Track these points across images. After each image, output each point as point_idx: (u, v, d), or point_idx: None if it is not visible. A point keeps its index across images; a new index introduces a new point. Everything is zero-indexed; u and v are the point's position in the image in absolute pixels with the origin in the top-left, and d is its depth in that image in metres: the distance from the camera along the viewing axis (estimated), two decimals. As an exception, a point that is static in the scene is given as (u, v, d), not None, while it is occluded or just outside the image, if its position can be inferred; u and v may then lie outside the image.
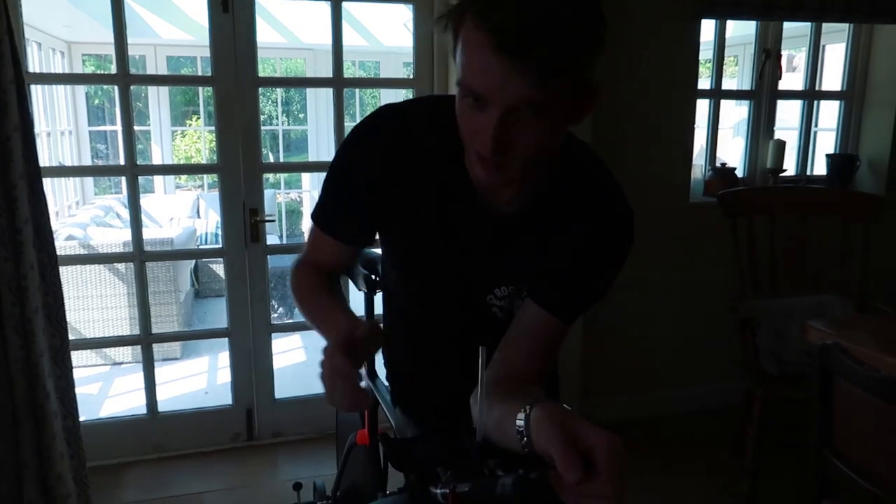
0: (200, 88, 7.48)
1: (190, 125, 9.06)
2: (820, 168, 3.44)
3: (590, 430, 0.64)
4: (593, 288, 1.02)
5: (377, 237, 1.15)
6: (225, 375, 3.67)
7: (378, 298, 1.46)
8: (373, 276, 1.39)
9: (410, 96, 2.89)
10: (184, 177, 7.83)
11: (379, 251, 1.39)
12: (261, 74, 2.64)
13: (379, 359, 1.46)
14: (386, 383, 1.41)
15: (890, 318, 2.24)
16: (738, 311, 2.48)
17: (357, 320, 0.97)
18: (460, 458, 0.82)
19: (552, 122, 0.81)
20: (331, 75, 2.68)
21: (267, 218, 2.77)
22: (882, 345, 1.75)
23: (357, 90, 7.88)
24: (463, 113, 0.84)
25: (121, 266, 3.95)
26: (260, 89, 2.67)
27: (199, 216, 6.08)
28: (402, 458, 0.85)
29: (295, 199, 8.20)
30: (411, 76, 2.87)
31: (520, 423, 0.75)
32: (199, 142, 8.66)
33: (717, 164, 3.17)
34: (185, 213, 5.94)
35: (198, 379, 3.84)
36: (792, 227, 2.68)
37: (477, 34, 0.76)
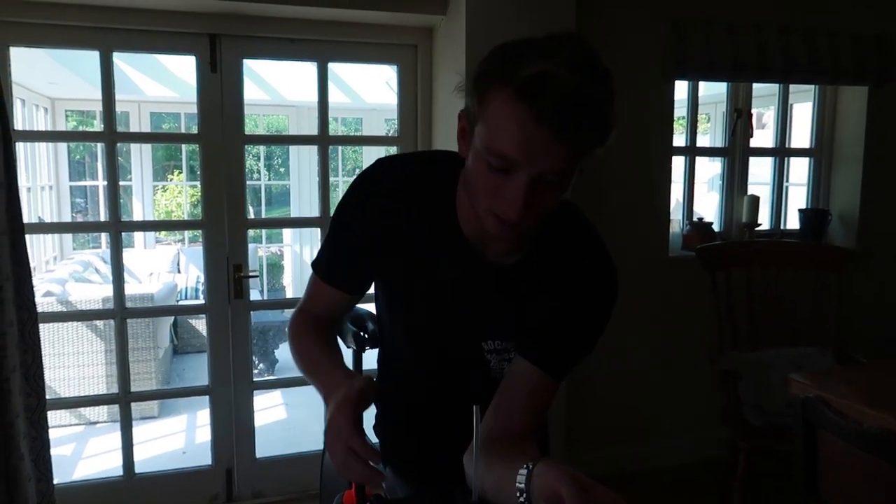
0: (183, 145, 7.54)
1: (171, 179, 9.08)
2: (793, 222, 3.53)
3: (596, 486, 0.65)
4: (582, 343, 1.03)
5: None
6: (204, 434, 3.60)
7: (367, 356, 1.46)
8: (362, 334, 1.39)
9: (394, 153, 2.94)
10: (163, 232, 7.79)
11: (368, 307, 1.41)
12: (246, 131, 2.68)
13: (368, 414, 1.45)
14: (374, 439, 1.40)
15: (867, 368, 2.27)
16: (719, 363, 2.50)
17: (353, 376, 0.99)
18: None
19: (568, 184, 0.87)
20: (314, 131, 2.72)
21: (250, 273, 2.77)
22: (863, 396, 1.77)
23: (340, 146, 7.99)
24: (482, 174, 0.87)
25: (99, 323, 3.90)
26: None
27: (179, 271, 6.03)
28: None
29: (276, 254, 8.19)
30: (393, 133, 2.94)
31: (521, 481, 0.75)
32: (180, 196, 8.66)
33: (695, 219, 3.25)
34: (165, 267, 5.90)
35: (176, 438, 3.75)
36: (768, 281, 2.74)
37: (516, 106, 0.79)
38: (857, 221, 3.33)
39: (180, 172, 8.95)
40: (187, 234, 7.29)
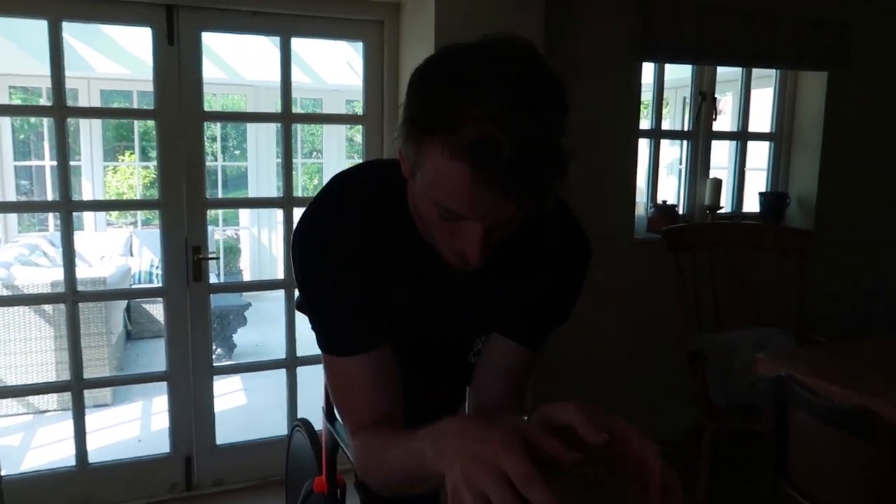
0: (136, 123, 7.28)
1: (122, 160, 8.78)
2: (751, 205, 3.59)
3: (556, 408, 0.64)
4: (559, 314, 1.02)
5: None
6: (160, 421, 3.50)
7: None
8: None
9: (360, 132, 2.87)
10: (115, 214, 7.53)
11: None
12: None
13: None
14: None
15: (828, 348, 2.31)
16: (685, 345, 2.52)
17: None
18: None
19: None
20: (273, 111, 2.63)
21: (210, 255, 2.68)
22: (826, 375, 1.80)
23: (298, 126, 7.83)
24: (434, 219, 0.79)
25: (48, 307, 3.74)
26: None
27: (132, 254, 5.84)
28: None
29: (232, 237, 8.00)
30: (358, 112, 2.87)
31: None
32: (132, 177, 8.38)
33: (659, 202, 3.26)
34: (117, 251, 5.70)
35: (130, 426, 3.63)
36: (732, 262, 2.77)
37: (458, 166, 0.70)
38: (814, 205, 3.40)
39: (132, 153, 8.66)
40: (140, 216, 7.06)
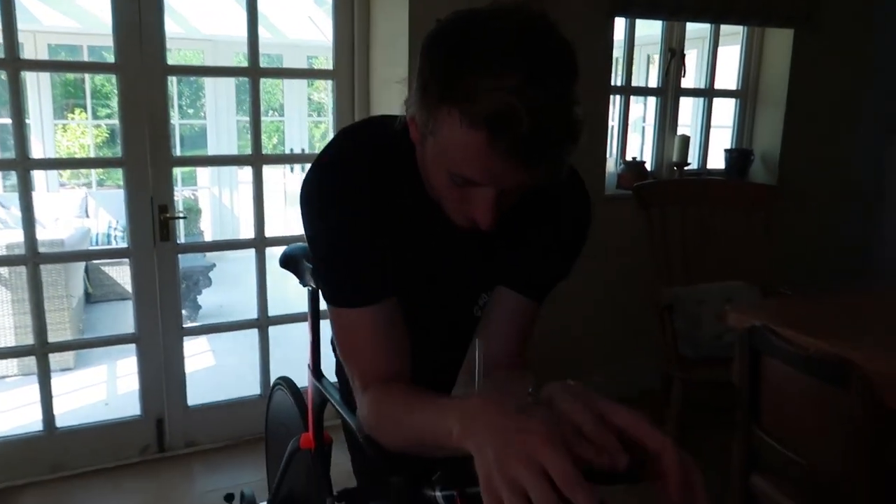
0: (87, 80, 6.98)
1: (72, 119, 8.44)
2: (716, 162, 3.64)
3: (615, 408, 0.63)
4: (561, 268, 1.03)
5: None
6: (127, 384, 3.44)
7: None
8: (317, 268, 1.32)
9: (329, 87, 2.80)
10: (67, 174, 7.26)
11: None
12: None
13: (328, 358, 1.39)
14: (334, 381, 1.35)
15: (794, 300, 2.39)
16: (655, 298, 2.57)
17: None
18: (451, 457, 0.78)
19: None
20: (233, 65, 2.54)
21: (177, 215, 2.61)
22: (795, 325, 1.86)
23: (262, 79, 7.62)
24: (444, 184, 0.80)
25: (3, 270, 3.60)
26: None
27: (87, 216, 5.66)
28: (395, 459, 0.80)
29: (191, 198, 7.82)
30: (328, 67, 2.79)
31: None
32: (83, 136, 8.07)
33: (629, 159, 3.29)
34: (72, 212, 5.51)
35: (96, 390, 3.57)
36: (701, 217, 2.82)
37: (475, 136, 0.70)
38: (777, 161, 3.47)
39: (82, 111, 8.33)
40: (95, 176, 6.83)
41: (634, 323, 3.04)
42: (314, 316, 1.43)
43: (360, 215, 0.88)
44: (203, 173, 7.40)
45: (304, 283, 1.39)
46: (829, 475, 1.50)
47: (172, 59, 7.79)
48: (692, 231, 2.82)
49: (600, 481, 0.59)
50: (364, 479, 1.31)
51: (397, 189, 0.90)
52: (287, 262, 1.43)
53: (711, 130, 3.59)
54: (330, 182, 0.89)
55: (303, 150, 7.90)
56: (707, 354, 2.55)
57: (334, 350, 1.29)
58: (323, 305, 1.43)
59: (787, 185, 3.39)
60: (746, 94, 3.54)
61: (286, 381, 1.67)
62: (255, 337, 2.80)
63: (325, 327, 1.41)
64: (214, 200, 6.87)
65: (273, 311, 2.79)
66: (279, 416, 1.75)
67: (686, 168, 3.36)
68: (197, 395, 2.80)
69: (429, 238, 0.93)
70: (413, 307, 0.93)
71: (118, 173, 6.61)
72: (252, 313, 2.81)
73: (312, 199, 0.89)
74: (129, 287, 2.74)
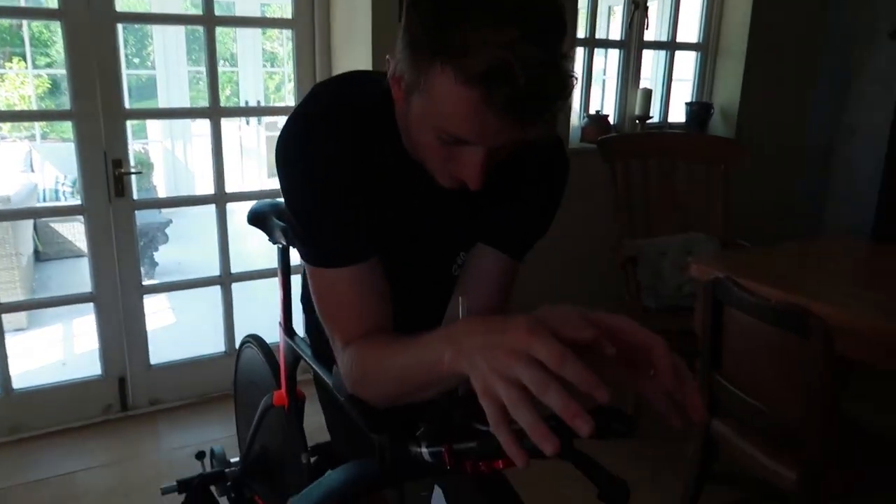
0: (25, 27, 6.60)
1: (10, 68, 8.01)
2: (676, 115, 3.68)
3: (602, 313, 0.64)
4: (540, 225, 1.02)
5: None
6: (84, 344, 3.37)
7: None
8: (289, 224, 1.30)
9: (289, 36, 2.71)
10: (7, 126, 6.92)
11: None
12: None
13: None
14: (304, 336, 1.34)
15: (754, 251, 2.45)
16: (619, 250, 2.61)
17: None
18: (435, 413, 0.78)
19: None
20: (185, 13, 2.43)
21: (132, 170, 2.52)
22: (754, 276, 1.91)
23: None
24: (431, 143, 0.78)
25: (-55, 228, 3.45)
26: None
27: (32, 170, 5.43)
28: (378, 417, 0.80)
29: (142, 151, 7.57)
30: (285, 16, 2.69)
31: None
32: (23, 87, 7.68)
33: (592, 112, 3.29)
34: (15, 167, 5.28)
35: (51, 350, 3.48)
36: (663, 171, 2.85)
37: (468, 93, 0.68)
38: (736, 115, 3.51)
39: (20, 60, 7.90)
40: (38, 128, 6.52)
41: (597, 275, 3.09)
42: (285, 273, 1.41)
43: (341, 173, 0.86)
44: (154, 126, 7.15)
45: (273, 240, 1.36)
46: (786, 420, 1.56)
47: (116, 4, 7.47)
48: (654, 184, 2.85)
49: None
50: (338, 434, 1.31)
51: (377, 147, 0.88)
52: (255, 220, 1.40)
53: (673, 83, 3.61)
54: (310, 138, 0.85)
55: (258, 102, 7.68)
56: (669, 304, 2.62)
57: (305, 308, 1.28)
58: (294, 261, 1.42)
59: (744, 138, 3.45)
60: (707, 48, 3.55)
61: (255, 339, 1.65)
62: (216, 294, 2.76)
63: (296, 284, 1.39)
64: (167, 154, 6.66)
65: (234, 267, 2.75)
66: (249, 373, 1.73)
67: (648, 122, 3.38)
68: (158, 353, 2.75)
69: (408, 196, 0.92)
70: (391, 266, 0.92)
71: (64, 126, 6.33)
72: (212, 270, 2.75)
73: (291, 156, 0.86)
74: (81, 244, 2.66)
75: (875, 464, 1.70)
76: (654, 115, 3.49)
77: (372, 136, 0.87)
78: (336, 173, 0.85)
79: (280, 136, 0.87)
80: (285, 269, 1.40)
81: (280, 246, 1.37)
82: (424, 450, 0.73)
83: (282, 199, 1.28)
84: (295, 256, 1.41)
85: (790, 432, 1.56)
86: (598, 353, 0.61)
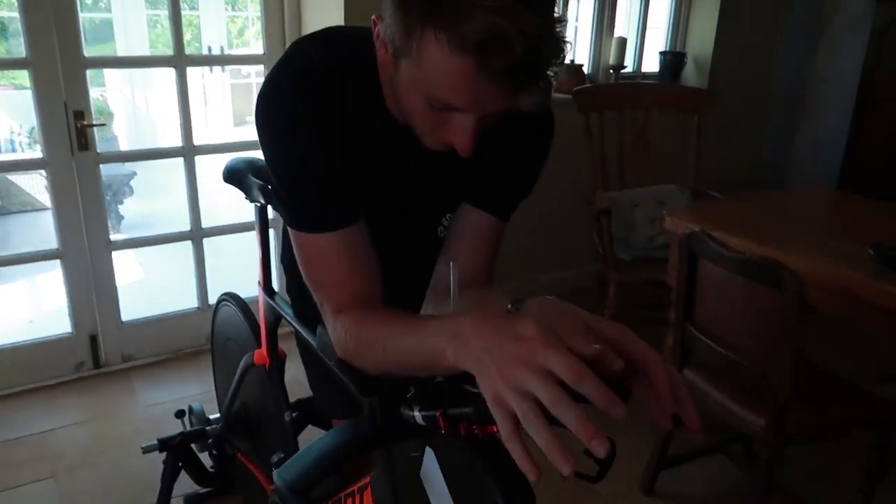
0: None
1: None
2: (650, 65, 3.66)
3: (599, 320, 0.63)
4: (525, 185, 1.02)
5: None
6: (51, 301, 3.30)
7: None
8: (269, 186, 1.27)
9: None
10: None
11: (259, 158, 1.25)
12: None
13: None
14: (286, 298, 1.33)
15: (727, 203, 2.48)
16: (594, 203, 2.62)
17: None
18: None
19: None
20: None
21: (95, 122, 2.43)
22: (726, 228, 1.94)
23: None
24: (420, 109, 0.75)
25: None
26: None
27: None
28: (369, 379, 0.80)
29: (99, 99, 7.30)
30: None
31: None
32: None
33: (566, 61, 3.24)
34: (-34, 117, 5.07)
35: (16, 307, 3.41)
36: (635, 122, 2.85)
37: (462, 61, 0.66)
38: (709, 63, 3.50)
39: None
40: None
41: (570, 227, 3.11)
42: (263, 232, 1.38)
43: (327, 135, 0.83)
44: (112, 73, 6.89)
45: (251, 199, 1.33)
46: (756, 367, 1.61)
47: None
48: (628, 135, 2.85)
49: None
50: (321, 393, 1.32)
51: (361, 109, 0.85)
52: (231, 177, 1.36)
53: (647, 32, 3.57)
54: (294, 98, 0.82)
55: (221, 48, 7.45)
56: (641, 256, 2.65)
57: (286, 268, 1.26)
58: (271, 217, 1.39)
59: (717, 88, 3.45)
60: (682, -5, 3.51)
61: (233, 297, 1.63)
62: (185, 249, 2.71)
63: (274, 243, 1.38)
64: (127, 103, 6.45)
65: (207, 223, 2.70)
66: (226, 331, 1.72)
67: (622, 71, 3.35)
68: (129, 309, 2.71)
69: (394, 158, 0.89)
70: (376, 229, 0.91)
71: (16, 72, 6.04)
72: (181, 225, 2.70)
73: (274, 116, 0.83)
74: (40, 197, 2.57)
75: (835, 404, 1.77)
76: (629, 64, 3.47)
77: (355, 95, 0.84)
78: (322, 135, 0.83)
79: (261, 95, 0.84)
80: (263, 228, 1.38)
81: (258, 204, 1.34)
82: (417, 413, 0.73)
83: (256, 155, 1.25)
84: (273, 215, 1.39)
85: (759, 380, 1.61)
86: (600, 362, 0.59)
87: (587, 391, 0.54)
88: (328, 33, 0.90)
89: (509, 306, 0.75)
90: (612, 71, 3.32)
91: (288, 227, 0.89)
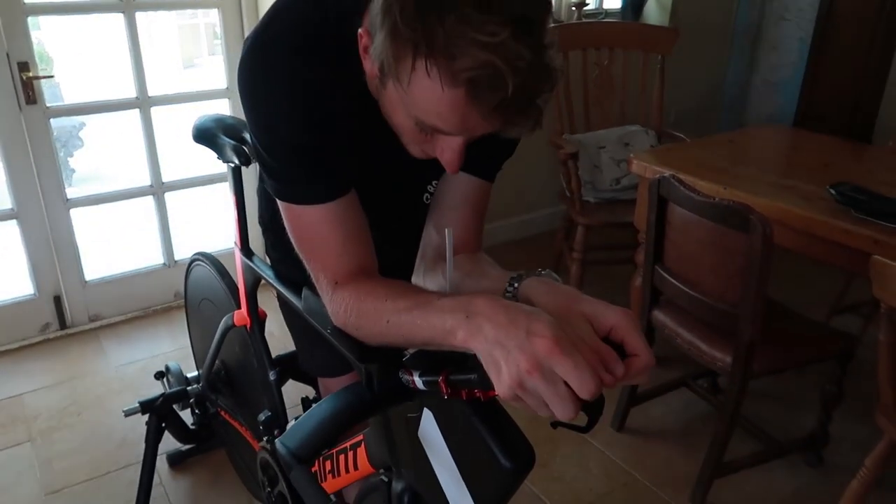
0: None
1: None
2: (611, 2, 3.61)
3: (601, 309, 0.65)
4: (510, 144, 1.01)
5: None
6: (8, 263, 3.19)
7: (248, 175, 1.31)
8: (242, 146, 1.23)
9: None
10: None
11: (230, 114, 1.22)
12: None
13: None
14: (266, 259, 1.32)
15: (688, 145, 2.52)
16: (561, 146, 2.62)
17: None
18: None
19: None
20: None
21: (42, 73, 2.31)
22: (690, 170, 1.98)
23: None
24: (407, 126, 0.75)
25: None
26: None
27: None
28: (366, 346, 0.81)
29: (37, 43, 6.91)
30: None
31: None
32: None
33: (529, -1, 3.18)
34: None
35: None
36: (601, 63, 2.84)
37: (452, 91, 0.65)
38: (671, 1, 3.48)
39: None
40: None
41: (534, 169, 3.12)
42: (238, 194, 1.35)
43: (314, 105, 0.81)
44: (45, 17, 6.49)
45: (223, 159, 1.29)
46: (723, 307, 1.67)
47: None
48: (592, 76, 2.84)
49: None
50: (307, 353, 1.32)
51: (343, 78, 0.82)
52: (201, 137, 1.32)
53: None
54: (277, 67, 0.79)
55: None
56: (607, 198, 2.69)
57: (265, 230, 1.24)
58: (246, 185, 1.36)
59: (678, 26, 3.44)
60: (644, -72, 3.45)
61: (206, 257, 1.61)
62: (146, 203, 2.65)
63: (250, 203, 1.35)
64: (66, 45, 6.12)
65: (168, 177, 2.62)
66: (201, 291, 1.70)
67: (585, 8, 3.31)
68: (91, 268, 2.65)
69: (377, 128, 0.87)
70: (363, 199, 0.90)
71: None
72: (137, 178, 2.62)
73: (258, 86, 0.80)
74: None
75: (796, 340, 1.86)
76: (591, 1, 3.42)
77: (338, 71, 0.82)
78: (309, 100, 0.80)
79: (243, 59, 0.81)
80: (238, 190, 1.35)
81: (231, 165, 1.31)
82: (418, 378, 0.75)
83: (224, 113, 1.22)
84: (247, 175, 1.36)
85: (726, 318, 1.67)
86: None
87: (585, 396, 0.59)
88: (296, 6, 0.86)
89: (508, 287, 0.76)
90: (574, 8, 3.27)
91: (278, 201, 0.87)
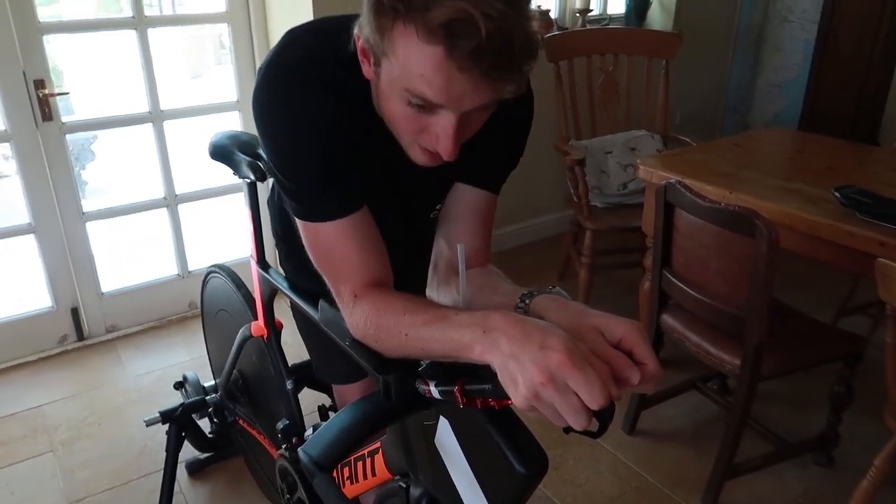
0: None
1: None
2: (615, 6, 3.64)
3: (610, 322, 0.68)
4: (513, 158, 1.04)
5: None
6: (27, 276, 3.24)
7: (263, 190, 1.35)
8: (258, 162, 1.27)
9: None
10: None
11: (243, 129, 1.26)
12: None
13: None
14: (281, 271, 1.35)
15: (694, 149, 2.54)
16: (567, 152, 2.65)
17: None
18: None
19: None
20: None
21: (58, 91, 2.36)
22: (697, 175, 2.00)
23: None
24: (401, 111, 0.78)
25: None
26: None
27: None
28: (384, 358, 0.84)
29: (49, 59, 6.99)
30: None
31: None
32: None
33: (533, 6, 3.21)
34: None
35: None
36: (606, 68, 2.86)
37: (431, 50, 0.69)
38: (675, 5, 3.50)
39: None
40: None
41: (541, 175, 3.15)
42: (254, 208, 1.39)
43: (327, 126, 0.85)
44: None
45: (240, 175, 1.33)
46: (731, 311, 1.69)
47: None
48: (597, 82, 2.87)
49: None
50: (322, 362, 1.36)
51: (355, 103, 0.86)
52: (218, 154, 1.36)
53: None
54: (293, 90, 0.83)
55: (173, 2, 7.16)
56: (614, 203, 2.71)
57: (280, 242, 1.28)
58: (261, 200, 1.40)
59: (682, 30, 3.46)
60: (647, -67, 3.48)
61: (223, 269, 1.65)
62: (160, 216, 2.69)
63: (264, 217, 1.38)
64: (77, 60, 6.19)
65: (181, 189, 2.67)
66: (218, 302, 1.74)
67: (589, 14, 3.34)
68: (108, 279, 2.70)
69: (387, 149, 0.90)
70: (374, 213, 0.93)
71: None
72: (150, 189, 2.66)
73: (273, 110, 0.84)
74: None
75: (805, 341, 1.88)
76: (595, 7, 3.45)
77: (350, 93, 0.86)
78: (322, 126, 0.84)
79: (259, 87, 0.85)
80: (254, 204, 1.38)
81: (247, 181, 1.34)
82: (434, 388, 0.78)
83: (237, 129, 1.25)
84: (263, 190, 1.39)
85: (733, 322, 1.70)
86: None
87: (595, 407, 0.61)
88: (321, 23, 0.91)
89: (519, 303, 0.79)
90: (578, 14, 3.30)
91: (296, 218, 0.91)
